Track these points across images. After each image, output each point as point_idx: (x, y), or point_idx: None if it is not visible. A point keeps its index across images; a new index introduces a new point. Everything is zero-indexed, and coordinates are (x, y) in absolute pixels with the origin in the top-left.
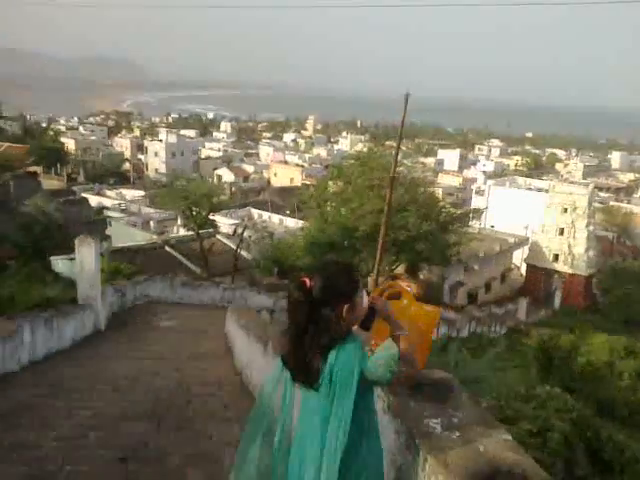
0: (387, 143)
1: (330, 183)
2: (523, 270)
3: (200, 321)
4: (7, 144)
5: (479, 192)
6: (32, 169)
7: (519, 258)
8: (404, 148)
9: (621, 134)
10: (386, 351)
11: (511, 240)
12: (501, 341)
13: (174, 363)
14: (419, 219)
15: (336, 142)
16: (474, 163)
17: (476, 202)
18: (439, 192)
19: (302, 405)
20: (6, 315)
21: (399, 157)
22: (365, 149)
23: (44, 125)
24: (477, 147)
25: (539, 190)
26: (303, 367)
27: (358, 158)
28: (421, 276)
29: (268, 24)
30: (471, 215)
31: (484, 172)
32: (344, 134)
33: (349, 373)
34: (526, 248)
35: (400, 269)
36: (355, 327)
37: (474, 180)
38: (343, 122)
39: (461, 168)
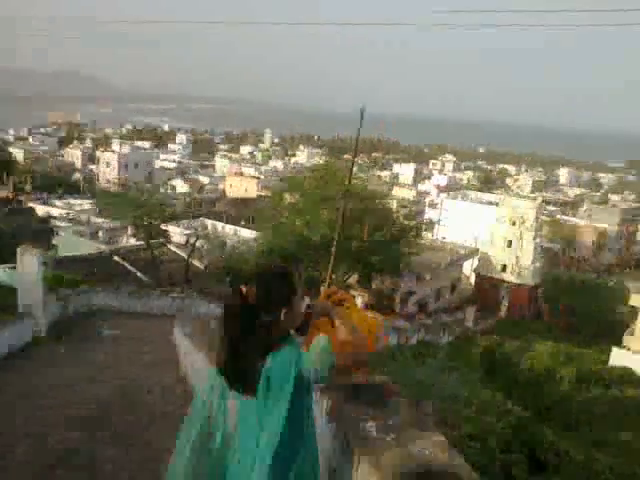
0: (344, 157)
1: (286, 195)
2: (472, 280)
3: (146, 330)
4: None
5: (432, 205)
6: None
7: (469, 268)
8: (360, 161)
9: (568, 150)
10: (316, 346)
11: (462, 251)
12: (447, 348)
13: (116, 371)
14: (373, 230)
15: (293, 155)
16: (428, 177)
17: (429, 214)
18: (393, 204)
19: (240, 410)
20: None
21: (355, 170)
22: (322, 162)
23: None
24: (431, 162)
25: (489, 203)
26: (241, 374)
27: (314, 170)
28: (373, 285)
29: (227, 40)
30: (424, 227)
31: (437, 186)
32: (301, 148)
33: (286, 375)
34: (476, 259)
35: (353, 279)
36: (292, 332)
37: (428, 193)
38: (301, 136)
39: (416, 182)
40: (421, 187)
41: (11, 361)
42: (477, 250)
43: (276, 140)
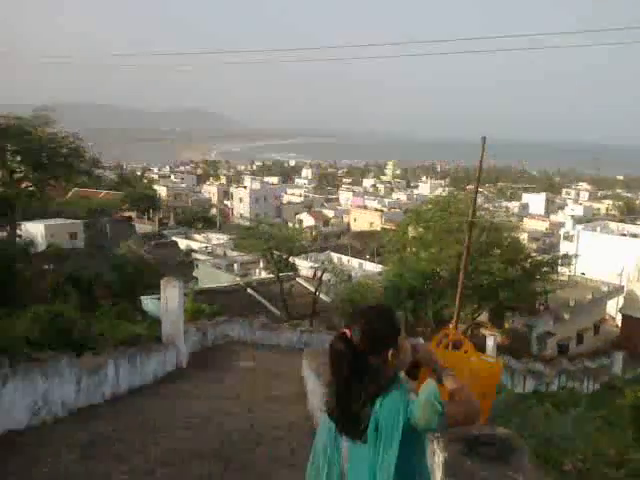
0: (468, 187)
1: (409, 228)
2: (618, 321)
3: (277, 363)
4: (105, 191)
5: (568, 237)
6: (127, 214)
7: (613, 308)
8: (486, 192)
9: None
10: (423, 391)
11: (604, 288)
12: (592, 398)
13: (248, 404)
14: (503, 264)
15: (415, 187)
16: (561, 207)
17: (564, 248)
18: (524, 237)
19: (351, 456)
20: (94, 351)
21: (480, 201)
22: (444, 193)
23: (139, 174)
24: (564, 190)
25: (634, 236)
26: (349, 419)
27: (437, 203)
28: (506, 325)
29: (346, 75)
30: (560, 261)
31: (572, 216)
32: (423, 179)
33: (394, 421)
34: (621, 297)
35: (483, 317)
36: (402, 375)
37: (562, 225)
38: (422, 167)
39: (547, 212)
40: (554, 218)
41: (155, 389)
42: (622, 288)
43: (398, 172)
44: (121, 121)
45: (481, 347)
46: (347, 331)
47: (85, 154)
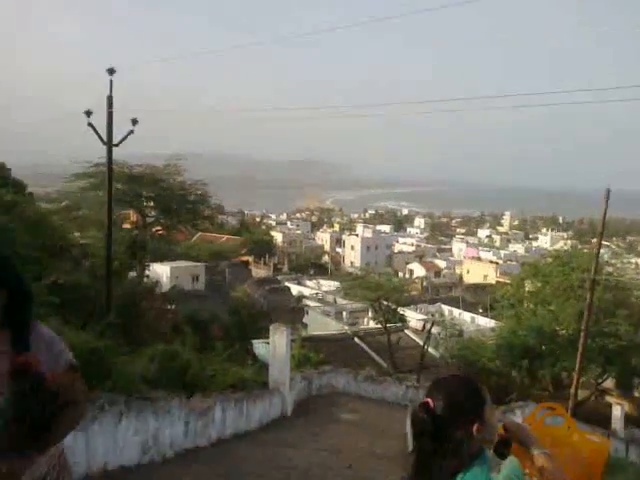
0: (593, 241)
1: (526, 282)
2: None
3: (381, 418)
4: (227, 236)
5: None
6: (245, 259)
7: None
8: (613, 246)
9: None
10: (506, 467)
11: None
12: None
13: (349, 459)
14: (632, 326)
15: (535, 239)
16: None
17: None
18: None
19: None
20: (203, 393)
21: (607, 256)
22: (567, 247)
23: (258, 220)
24: None
25: None
26: None
27: (558, 256)
28: (636, 393)
29: (460, 124)
30: None
31: None
32: (543, 230)
33: None
34: None
35: (609, 383)
36: (490, 452)
37: None
38: (542, 218)
39: None
40: None
41: (259, 436)
42: None
43: (516, 222)
44: (243, 170)
45: (606, 417)
46: (430, 401)
47: (210, 201)
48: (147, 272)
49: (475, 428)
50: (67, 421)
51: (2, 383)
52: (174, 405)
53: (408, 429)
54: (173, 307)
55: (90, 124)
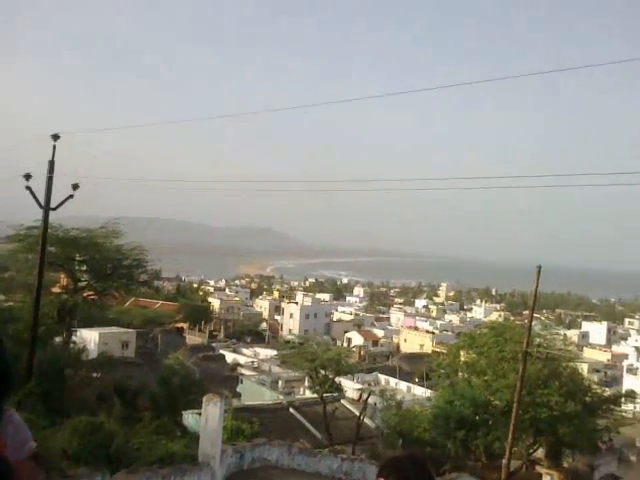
0: (525, 312)
1: (462, 352)
2: None
3: None
4: (161, 302)
5: (632, 370)
6: (180, 325)
7: None
8: (543, 318)
9: None
10: None
11: None
12: None
13: None
14: (562, 397)
15: (469, 310)
16: (624, 337)
17: (628, 382)
18: (584, 368)
19: None
20: (128, 469)
21: (537, 328)
22: (500, 318)
23: (196, 286)
24: (627, 320)
25: None
26: None
27: (492, 328)
28: (564, 463)
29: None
30: (623, 398)
31: (637, 348)
32: (477, 302)
33: None
34: None
35: (539, 453)
36: None
37: (625, 356)
38: (477, 289)
39: (609, 342)
40: (616, 348)
41: None
42: None
43: (452, 293)
44: (187, 235)
45: None
46: (382, 479)
47: (146, 266)
48: (74, 338)
49: None
50: None
51: None
52: None
53: None
54: (99, 375)
55: (28, 187)
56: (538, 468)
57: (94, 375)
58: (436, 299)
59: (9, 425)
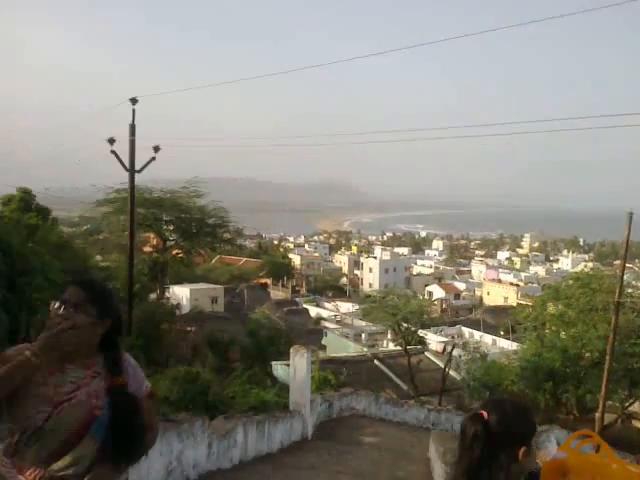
0: (615, 263)
1: (549, 304)
2: None
3: (402, 442)
4: (245, 259)
5: None
6: (263, 281)
7: None
8: (636, 269)
9: None
10: None
11: None
12: None
13: None
14: None
15: (555, 261)
16: None
17: None
18: None
19: None
20: (225, 415)
21: (631, 279)
22: (588, 269)
23: (276, 242)
24: None
25: None
26: None
27: (578, 278)
28: None
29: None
30: None
31: None
32: (564, 252)
33: None
34: None
35: (636, 407)
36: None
37: None
38: (563, 240)
39: None
40: None
41: (280, 458)
42: None
43: (536, 244)
44: (265, 194)
45: (634, 442)
46: (484, 413)
47: (229, 225)
48: (167, 294)
49: (521, 452)
50: (148, 442)
51: (102, 400)
52: (197, 427)
53: (432, 454)
54: (193, 329)
55: (113, 151)
56: (635, 422)
57: (188, 329)
58: (519, 250)
59: (129, 367)
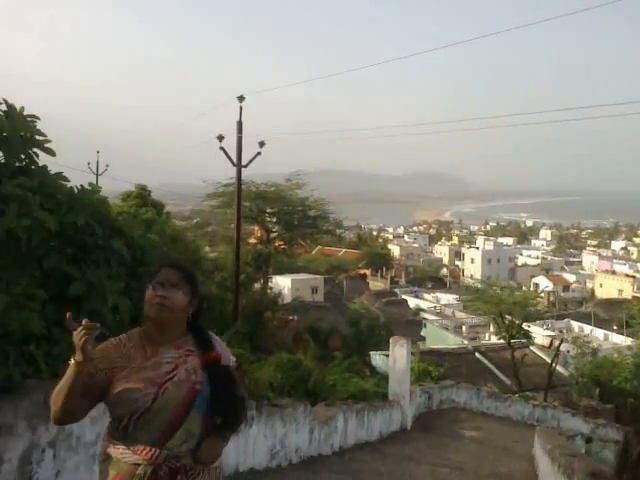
0: None
1: None
2: None
3: (505, 437)
4: (344, 249)
5: None
6: (362, 271)
7: None
8: None
9: None
10: None
11: None
12: None
13: (472, 478)
14: None
15: None
16: None
17: None
18: None
19: None
20: (326, 402)
21: None
22: None
23: (375, 234)
24: None
25: None
26: None
27: None
28: None
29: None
30: None
31: None
32: None
33: None
34: None
35: None
36: None
37: None
38: None
39: None
40: None
41: (379, 448)
42: None
43: None
44: (359, 185)
45: None
46: None
47: (330, 216)
48: (270, 284)
49: None
50: (244, 412)
51: (200, 376)
52: (300, 412)
53: (537, 450)
54: (294, 317)
55: (222, 148)
56: None
57: (290, 318)
58: (636, 240)
59: (217, 343)
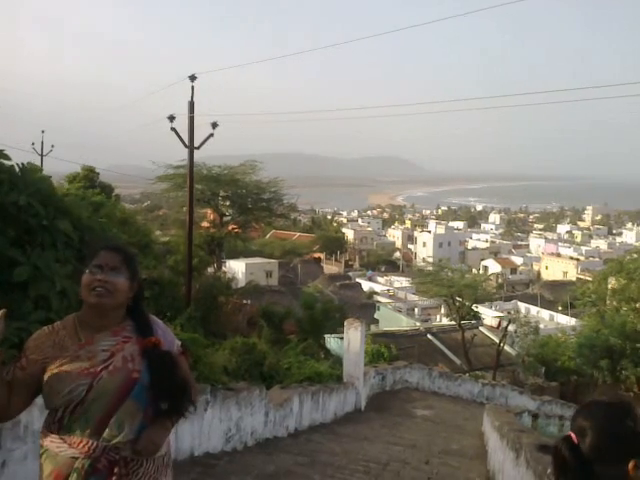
0: None
1: (610, 279)
2: None
3: (456, 415)
4: (299, 233)
5: None
6: (316, 255)
7: None
8: None
9: None
10: None
11: None
12: None
13: (425, 455)
14: None
15: (619, 234)
16: None
17: None
18: None
19: None
20: (281, 385)
21: None
22: None
23: (329, 217)
24: None
25: None
26: None
27: None
28: None
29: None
30: None
31: None
32: (628, 225)
33: None
34: None
35: None
36: None
37: None
38: (627, 212)
39: None
40: None
41: (334, 428)
42: None
43: (598, 217)
44: (315, 168)
45: None
46: (573, 435)
47: (284, 199)
48: (224, 268)
49: (631, 466)
50: (192, 396)
51: (138, 364)
52: (255, 396)
53: (486, 427)
54: (249, 302)
55: (173, 129)
56: None
57: (244, 302)
58: (581, 224)
59: (158, 328)
